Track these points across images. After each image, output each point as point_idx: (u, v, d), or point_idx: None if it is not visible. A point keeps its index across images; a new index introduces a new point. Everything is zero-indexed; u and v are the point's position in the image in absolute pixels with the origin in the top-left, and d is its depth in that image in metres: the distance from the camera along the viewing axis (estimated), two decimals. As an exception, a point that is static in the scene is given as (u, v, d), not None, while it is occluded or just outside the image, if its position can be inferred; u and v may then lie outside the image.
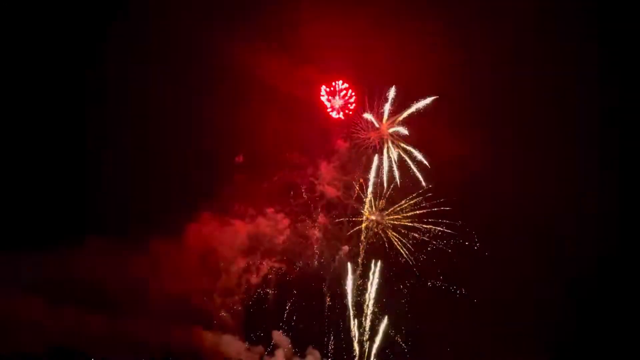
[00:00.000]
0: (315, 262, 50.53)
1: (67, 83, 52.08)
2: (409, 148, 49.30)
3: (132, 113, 52.80)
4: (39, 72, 51.71)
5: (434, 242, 49.47)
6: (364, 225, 50.37)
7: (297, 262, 50.90)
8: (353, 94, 51.60)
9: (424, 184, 49.17)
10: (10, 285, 45.96)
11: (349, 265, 49.95)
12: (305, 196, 51.09)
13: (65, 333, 45.97)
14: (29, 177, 50.20)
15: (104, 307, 47.78)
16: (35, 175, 50.33)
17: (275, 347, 50.13)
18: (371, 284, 49.33)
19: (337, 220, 50.63)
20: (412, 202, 49.51)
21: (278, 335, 50.22)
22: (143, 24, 52.50)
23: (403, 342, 49.11)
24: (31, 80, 51.51)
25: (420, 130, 49.75)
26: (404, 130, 49.30)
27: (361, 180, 50.42)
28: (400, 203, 49.60)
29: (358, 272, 49.73)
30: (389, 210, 50.13)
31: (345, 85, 51.54)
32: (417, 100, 49.63)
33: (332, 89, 51.73)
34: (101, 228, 49.09)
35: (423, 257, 49.37)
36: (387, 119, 49.67)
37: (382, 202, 49.95)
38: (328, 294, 50.04)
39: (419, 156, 49.08)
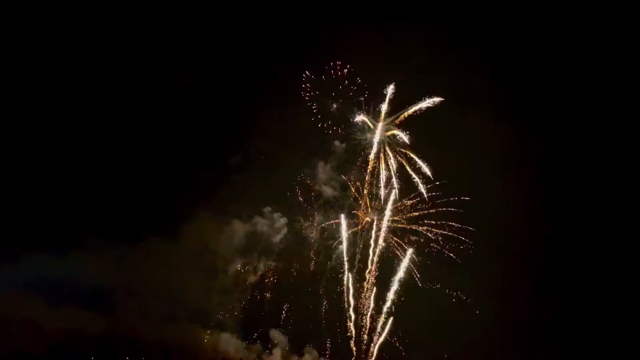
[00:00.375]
0: (313, 261, 50.66)
1: (67, 83, 52.13)
2: (406, 151, 49.29)
3: (131, 112, 52.97)
4: (39, 72, 51.90)
5: (432, 245, 49.65)
6: (360, 227, 50.54)
7: (295, 261, 51.14)
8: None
9: (422, 190, 49.20)
10: (10, 285, 46.46)
11: (347, 265, 50.05)
12: (300, 199, 51.21)
13: (65, 333, 46.47)
14: (28, 177, 50.14)
15: (104, 307, 48.57)
16: (34, 175, 50.22)
17: (273, 346, 50.57)
18: (368, 282, 49.60)
19: (334, 222, 50.69)
20: (409, 203, 49.63)
21: (276, 334, 50.68)
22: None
23: (400, 345, 49.47)
24: (30, 80, 51.74)
25: (420, 133, 49.69)
26: (400, 133, 49.11)
27: (358, 183, 50.57)
28: (397, 205, 49.64)
29: (355, 272, 49.82)
30: (386, 212, 50.17)
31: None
32: (418, 100, 49.45)
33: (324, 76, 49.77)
34: (99, 228, 49.13)
35: (420, 259, 49.50)
36: (384, 120, 49.44)
37: (378, 203, 50.10)
38: (325, 294, 50.33)
39: (415, 158, 48.99)
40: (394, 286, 49.16)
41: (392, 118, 49.13)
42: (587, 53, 51.27)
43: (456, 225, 49.18)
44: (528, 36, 51.44)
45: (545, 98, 52.64)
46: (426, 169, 48.72)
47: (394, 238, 49.87)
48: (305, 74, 49.78)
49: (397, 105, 49.68)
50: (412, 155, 48.82)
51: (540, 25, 50.94)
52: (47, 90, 51.72)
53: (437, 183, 49.24)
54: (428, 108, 49.25)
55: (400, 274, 48.99)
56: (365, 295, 49.36)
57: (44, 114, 51.55)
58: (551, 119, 52.79)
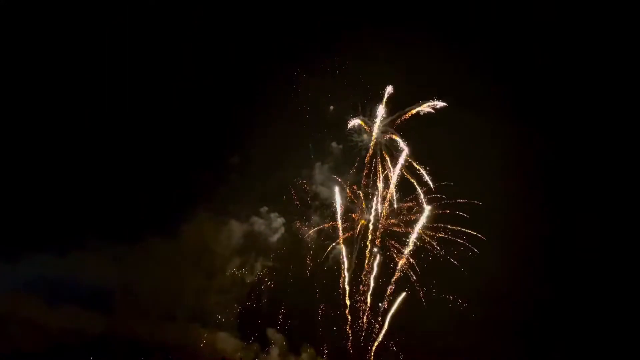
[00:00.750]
0: (309, 263, 50.69)
1: (66, 83, 52.20)
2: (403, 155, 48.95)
3: (130, 112, 52.98)
4: (38, 71, 52.02)
5: (429, 248, 49.39)
6: (358, 228, 50.27)
7: (292, 261, 51.24)
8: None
9: (420, 192, 48.95)
10: (9, 285, 46.95)
11: (345, 265, 49.97)
12: (296, 201, 51.32)
13: (64, 333, 46.92)
14: (28, 177, 50.54)
15: (103, 307, 49.02)
16: (34, 175, 50.63)
17: (270, 344, 50.79)
18: (365, 284, 49.63)
19: (330, 224, 50.60)
20: (406, 206, 49.50)
21: (273, 333, 50.83)
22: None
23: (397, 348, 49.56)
24: (30, 80, 51.89)
25: (417, 133, 49.35)
26: (398, 138, 48.83)
27: (354, 187, 50.43)
28: (393, 208, 49.59)
29: (351, 273, 49.82)
30: (384, 213, 49.99)
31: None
32: (416, 103, 49.06)
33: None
34: (99, 228, 49.51)
35: (416, 263, 49.26)
36: (382, 122, 49.11)
37: (375, 204, 49.87)
38: (322, 295, 50.29)
39: (412, 162, 48.74)
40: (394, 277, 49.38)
41: (388, 119, 49.01)
42: (588, 53, 50.82)
43: (454, 227, 49.00)
44: (528, 36, 51.03)
45: (545, 98, 52.22)
46: (424, 173, 48.65)
47: (391, 241, 49.85)
48: (297, 72, 49.94)
49: (395, 106, 49.56)
50: (412, 161, 48.77)
51: (540, 25, 50.51)
52: (46, 91, 52.03)
53: (434, 186, 49.02)
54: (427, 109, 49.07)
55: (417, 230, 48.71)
56: (361, 299, 49.45)
57: (43, 114, 51.85)
58: (551, 119, 52.39)
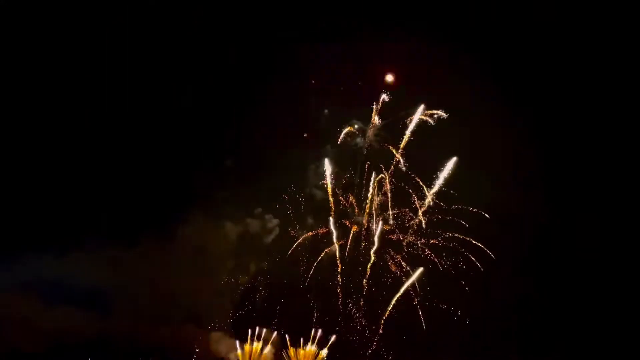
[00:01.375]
0: (304, 261, 50.84)
1: (66, 86, 52.43)
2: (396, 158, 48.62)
3: (129, 116, 53.20)
4: (37, 75, 52.25)
5: (422, 256, 49.27)
6: (351, 233, 50.24)
7: (287, 262, 51.38)
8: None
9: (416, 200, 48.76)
10: (8, 285, 47.59)
11: (340, 265, 50.12)
12: (290, 210, 51.27)
13: (63, 333, 47.56)
14: (26, 179, 50.96)
15: (101, 307, 49.63)
16: (32, 177, 51.07)
17: (264, 344, 51.02)
18: (362, 288, 49.79)
19: (325, 229, 50.61)
20: (401, 212, 49.36)
21: (268, 334, 50.99)
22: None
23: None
24: (30, 84, 52.18)
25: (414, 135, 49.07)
26: (391, 146, 48.61)
27: (350, 195, 50.35)
28: (387, 213, 49.36)
29: (345, 276, 49.99)
30: (377, 216, 49.91)
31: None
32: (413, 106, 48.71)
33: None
34: (97, 230, 50.09)
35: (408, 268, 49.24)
36: (376, 129, 48.90)
37: (369, 207, 49.72)
38: (317, 297, 50.60)
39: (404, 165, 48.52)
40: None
41: (382, 123, 48.71)
42: (588, 54, 50.09)
43: (450, 234, 48.82)
44: (528, 38, 50.28)
45: (545, 98, 51.61)
46: (419, 180, 48.36)
47: (386, 247, 49.79)
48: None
49: (393, 111, 49.49)
50: (406, 168, 48.60)
51: (540, 27, 49.73)
52: (47, 94, 52.28)
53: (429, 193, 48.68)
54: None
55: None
56: (357, 304, 49.57)
57: (43, 117, 52.09)
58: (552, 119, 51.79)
